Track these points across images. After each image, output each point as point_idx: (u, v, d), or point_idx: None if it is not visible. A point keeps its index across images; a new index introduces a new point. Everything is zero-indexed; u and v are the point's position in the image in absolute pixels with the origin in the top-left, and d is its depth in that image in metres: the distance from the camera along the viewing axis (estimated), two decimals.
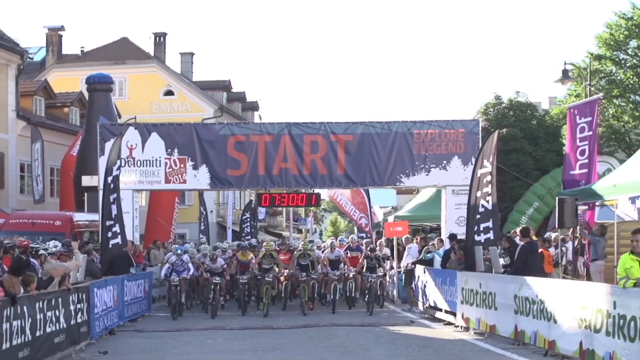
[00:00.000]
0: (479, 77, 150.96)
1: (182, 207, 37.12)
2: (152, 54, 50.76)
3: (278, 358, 12.92)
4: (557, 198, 16.67)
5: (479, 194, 15.43)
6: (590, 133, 17.76)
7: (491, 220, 15.36)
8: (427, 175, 20.45)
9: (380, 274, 20.19)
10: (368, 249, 20.85)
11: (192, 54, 56.31)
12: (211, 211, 44.54)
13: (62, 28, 48.65)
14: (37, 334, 10.87)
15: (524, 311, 12.75)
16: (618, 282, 10.07)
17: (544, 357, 11.98)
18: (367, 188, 24.96)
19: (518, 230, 17.56)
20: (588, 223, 18.13)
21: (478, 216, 15.42)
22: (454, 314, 16.28)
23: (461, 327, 15.78)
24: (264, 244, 21.94)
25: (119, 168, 17.72)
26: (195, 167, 20.51)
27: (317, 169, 20.56)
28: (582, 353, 10.66)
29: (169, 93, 47.84)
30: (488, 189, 15.30)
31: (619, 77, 36.50)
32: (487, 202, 15.31)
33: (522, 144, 35.23)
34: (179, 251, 19.96)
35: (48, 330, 11.37)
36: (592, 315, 10.38)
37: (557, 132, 38.55)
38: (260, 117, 62.63)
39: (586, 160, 17.76)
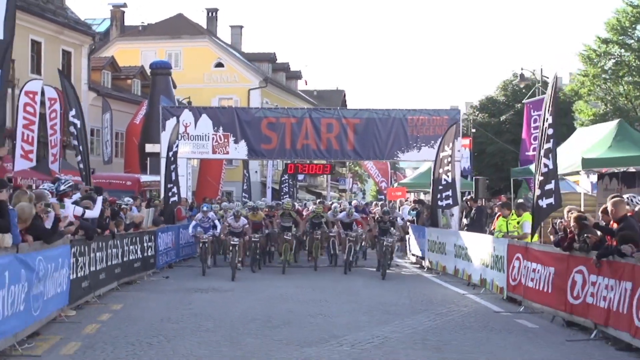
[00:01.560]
0: (502, 56, 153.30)
1: (229, 167, 42.69)
2: (205, 27, 56.31)
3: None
4: (473, 178, 21.94)
5: (440, 170, 20.79)
6: (539, 124, 22.84)
7: (450, 190, 20.69)
8: (418, 152, 25.60)
9: (393, 237, 20.46)
10: (381, 211, 21.90)
11: (241, 27, 61.71)
12: (255, 171, 50.16)
13: (124, 5, 54.26)
14: (124, 259, 16.63)
15: (459, 255, 18.16)
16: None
17: (467, 286, 17.38)
18: (369, 160, 30.21)
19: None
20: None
21: (440, 187, 20.79)
22: (423, 259, 21.79)
23: (427, 268, 21.26)
24: (284, 202, 23.90)
25: (177, 145, 23.42)
26: (235, 142, 25.98)
27: (331, 145, 25.88)
28: (481, 281, 16.09)
29: (219, 65, 53.21)
30: (448, 167, 20.63)
31: (627, 59, 40.93)
32: (448, 176, 20.66)
33: None
34: (204, 208, 21.54)
35: (131, 258, 17.15)
36: (486, 256, 15.77)
37: (568, 107, 43.03)
38: (306, 82, 68.17)
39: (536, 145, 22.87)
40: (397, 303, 14.45)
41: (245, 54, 57.62)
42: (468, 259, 17.17)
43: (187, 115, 25.86)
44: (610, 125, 18.76)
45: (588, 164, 17.19)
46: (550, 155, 13.31)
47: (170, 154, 22.80)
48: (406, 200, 26.93)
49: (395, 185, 32.10)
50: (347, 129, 25.63)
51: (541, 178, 13.22)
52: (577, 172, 18.98)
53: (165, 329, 11.19)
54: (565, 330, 11.51)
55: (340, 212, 22.89)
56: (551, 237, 12.51)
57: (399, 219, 24.48)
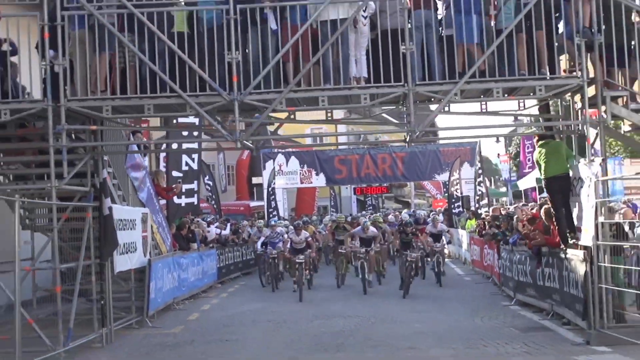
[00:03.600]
0: None
1: (322, 186, 52.70)
2: None
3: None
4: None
5: (452, 189, 30.11)
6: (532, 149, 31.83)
7: (460, 201, 29.91)
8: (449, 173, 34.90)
9: (415, 254, 18.72)
10: (403, 222, 20.93)
11: None
12: (346, 187, 59.82)
13: None
14: (243, 259, 26.60)
15: (457, 244, 27.38)
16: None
17: (463, 264, 26.53)
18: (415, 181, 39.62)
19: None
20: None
21: (453, 199, 30.08)
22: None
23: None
24: (337, 216, 24.77)
25: (274, 182, 33.63)
26: (317, 174, 35.82)
27: (386, 172, 35.41)
28: (462, 259, 25.39)
29: None
30: (457, 186, 29.89)
31: None
32: (458, 192, 29.92)
33: None
34: (272, 223, 22.67)
35: (244, 259, 27.14)
36: (464, 244, 25.06)
37: None
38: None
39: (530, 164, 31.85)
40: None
41: None
42: (461, 245, 26.58)
43: (280, 158, 35.92)
44: None
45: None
46: (459, 190, 23.01)
47: (270, 188, 32.95)
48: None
49: (439, 197, 41.67)
50: (397, 160, 35.11)
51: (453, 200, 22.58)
52: None
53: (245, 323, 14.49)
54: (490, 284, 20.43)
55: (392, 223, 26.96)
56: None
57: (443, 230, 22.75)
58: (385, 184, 36.88)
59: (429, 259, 21.36)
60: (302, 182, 36.04)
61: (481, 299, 17.16)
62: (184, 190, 21.80)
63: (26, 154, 13.02)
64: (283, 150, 38.50)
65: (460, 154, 34.25)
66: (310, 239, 20.36)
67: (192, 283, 18.83)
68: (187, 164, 22.96)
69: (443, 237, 21.72)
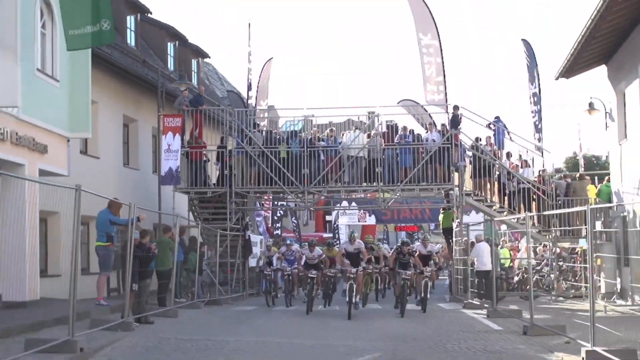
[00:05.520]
0: None
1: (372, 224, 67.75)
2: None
3: None
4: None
5: None
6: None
7: None
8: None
9: (409, 272, 18.80)
10: (401, 243, 20.21)
11: None
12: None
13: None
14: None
15: None
16: None
17: None
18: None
19: None
20: None
21: None
22: None
23: None
24: (366, 238, 25.36)
25: (339, 220, 48.64)
26: (369, 216, 50.49)
27: (417, 216, 49.87)
28: None
29: None
30: None
31: None
32: None
33: None
34: (288, 242, 23.88)
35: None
36: None
37: None
38: None
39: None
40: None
41: None
42: None
43: (344, 203, 50.94)
44: None
45: None
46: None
47: (335, 224, 47.98)
48: None
49: None
50: (426, 209, 49.65)
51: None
52: None
53: None
54: None
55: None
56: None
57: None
58: (417, 224, 51.53)
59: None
60: (359, 221, 50.87)
61: None
62: (277, 226, 37.29)
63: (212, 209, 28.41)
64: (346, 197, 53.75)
65: None
66: (323, 256, 20.92)
67: None
68: (280, 212, 38.34)
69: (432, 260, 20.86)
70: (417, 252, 20.33)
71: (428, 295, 19.82)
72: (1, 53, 15.70)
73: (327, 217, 57.16)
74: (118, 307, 16.58)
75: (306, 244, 23.43)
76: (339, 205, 37.14)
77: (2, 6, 15.94)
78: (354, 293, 17.98)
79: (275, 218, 38.38)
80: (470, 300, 21.82)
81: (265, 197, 31.57)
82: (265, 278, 23.56)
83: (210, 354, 12.01)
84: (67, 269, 11.98)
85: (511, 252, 29.50)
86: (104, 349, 11.95)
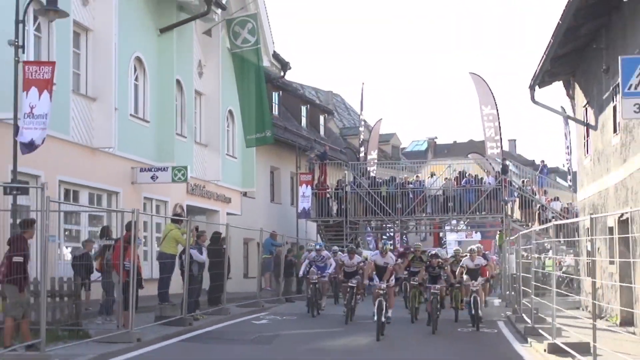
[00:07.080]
0: None
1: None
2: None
3: None
4: None
5: None
6: None
7: None
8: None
9: (439, 285, 18.27)
10: (430, 254, 19.51)
11: (514, 140, 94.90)
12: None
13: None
14: None
15: None
16: None
17: None
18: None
19: None
20: None
21: None
22: None
23: None
24: (414, 245, 21.98)
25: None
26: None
27: None
28: None
29: None
30: None
31: None
32: None
33: None
34: (317, 247, 22.24)
35: None
36: None
37: None
38: None
39: None
40: None
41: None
42: None
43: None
44: None
45: None
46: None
47: (443, 240, 58.65)
48: None
49: None
50: None
51: None
52: None
53: None
54: None
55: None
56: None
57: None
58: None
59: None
60: (466, 237, 61.07)
61: None
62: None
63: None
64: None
65: None
66: (362, 264, 19.84)
67: None
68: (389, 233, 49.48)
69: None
70: (465, 267, 19.47)
71: (480, 313, 18.37)
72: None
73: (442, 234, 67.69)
74: (274, 293, 27.86)
75: (345, 249, 23.31)
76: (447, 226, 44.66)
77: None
78: (383, 311, 16.20)
79: (385, 237, 49.31)
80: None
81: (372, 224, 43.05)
82: (308, 285, 22.04)
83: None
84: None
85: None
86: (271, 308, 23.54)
